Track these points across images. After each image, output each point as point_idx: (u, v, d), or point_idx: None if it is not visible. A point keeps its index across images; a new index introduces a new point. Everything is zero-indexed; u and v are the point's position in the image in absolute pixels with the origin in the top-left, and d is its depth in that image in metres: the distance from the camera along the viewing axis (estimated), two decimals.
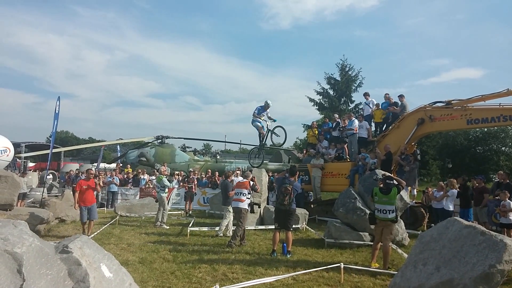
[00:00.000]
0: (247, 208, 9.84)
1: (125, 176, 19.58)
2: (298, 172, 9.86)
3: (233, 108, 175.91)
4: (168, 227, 12.01)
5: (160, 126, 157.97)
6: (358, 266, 7.40)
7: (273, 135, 14.69)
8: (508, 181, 12.13)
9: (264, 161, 27.75)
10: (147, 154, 23.42)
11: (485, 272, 4.31)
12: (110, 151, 53.98)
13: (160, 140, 24.46)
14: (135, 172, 20.10)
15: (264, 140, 14.95)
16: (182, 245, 9.49)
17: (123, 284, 4.21)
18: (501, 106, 12.17)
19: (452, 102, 13.31)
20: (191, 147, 27.80)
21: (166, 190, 12.99)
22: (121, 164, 24.36)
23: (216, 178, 18.64)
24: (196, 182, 17.46)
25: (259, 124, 14.39)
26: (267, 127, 14.58)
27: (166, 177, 13.22)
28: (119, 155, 29.34)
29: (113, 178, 18.06)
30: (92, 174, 11.13)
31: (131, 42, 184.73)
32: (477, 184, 12.33)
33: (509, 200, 10.20)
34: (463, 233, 4.99)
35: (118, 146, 33.53)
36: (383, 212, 7.68)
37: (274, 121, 14.71)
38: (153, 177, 19.02)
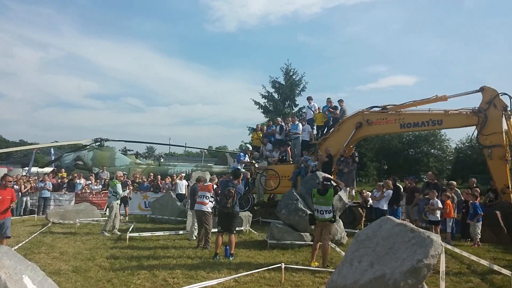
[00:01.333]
0: (211, 211, 9.81)
1: (59, 180, 18.52)
2: (241, 175, 9.91)
3: (178, 110, 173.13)
4: (109, 235, 11.46)
5: (99, 128, 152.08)
6: (299, 265, 7.56)
7: (262, 177, 15.00)
8: (436, 181, 13.05)
9: (209, 164, 27.76)
10: (84, 157, 22.35)
11: (413, 267, 4.57)
12: (44, 154, 50.95)
13: (99, 143, 23.45)
14: (70, 177, 19.07)
15: (251, 184, 15.13)
16: (121, 251, 9.15)
17: None
18: (430, 112, 13.07)
19: (387, 107, 14.09)
20: (132, 150, 26.88)
21: (118, 197, 12.10)
22: (55, 168, 23.03)
23: (159, 182, 18.24)
24: (131, 187, 16.68)
25: (244, 170, 14.27)
26: (254, 170, 15.01)
27: (121, 183, 12.36)
28: (53, 159, 27.79)
29: (45, 183, 16.98)
30: (10, 181, 9.10)
31: (68, 40, 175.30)
32: (408, 184, 13.10)
33: (437, 199, 10.97)
34: (395, 231, 5.27)
35: (52, 149, 31.70)
36: (321, 213, 7.94)
37: (258, 161, 15.33)
38: (89, 182, 18.24)
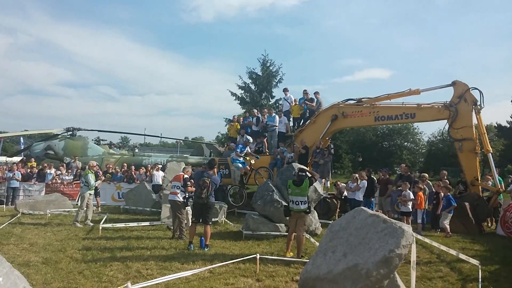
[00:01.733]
0: (183, 200, 9.73)
1: (29, 170, 17.96)
2: (216, 165, 9.84)
3: (153, 100, 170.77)
4: (81, 226, 11.22)
5: (72, 117, 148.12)
6: (274, 256, 7.60)
7: (256, 175, 14.33)
8: (409, 173, 13.34)
9: (185, 155, 27.49)
10: (55, 147, 21.69)
11: (385, 257, 4.65)
12: (12, 143, 49.35)
13: (70, 132, 22.83)
14: (40, 166, 18.52)
15: (247, 180, 14.45)
16: (93, 243, 8.98)
17: None
18: (403, 105, 13.31)
19: (362, 100, 14.26)
20: (106, 140, 26.33)
21: (91, 188, 11.83)
22: (24, 158, 22.31)
23: (133, 172, 17.94)
24: (102, 177, 15.80)
25: (239, 164, 13.88)
26: (250, 166, 14.13)
27: (93, 173, 12.13)
28: (22, 148, 26.91)
29: (14, 173, 16.42)
30: None
31: (38, 25, 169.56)
32: (382, 176, 13.35)
33: (409, 191, 11.22)
34: (368, 222, 5.34)
35: (21, 138, 30.67)
36: (296, 204, 7.99)
37: (257, 158, 14.38)
38: (60, 172, 17.76)
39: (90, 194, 11.87)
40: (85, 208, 11.63)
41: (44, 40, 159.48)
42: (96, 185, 13.01)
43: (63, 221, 12.02)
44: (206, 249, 8.43)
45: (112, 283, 6.08)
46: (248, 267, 6.92)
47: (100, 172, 16.13)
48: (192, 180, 9.89)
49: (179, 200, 9.72)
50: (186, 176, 9.95)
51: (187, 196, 9.64)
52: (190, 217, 10.01)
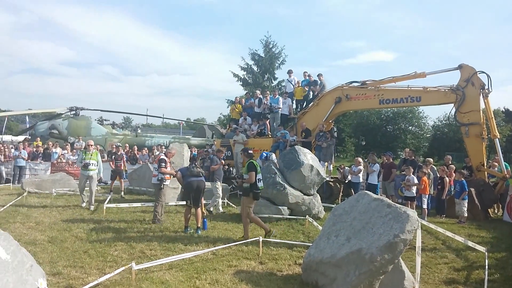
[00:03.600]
0: (157, 182, 9.35)
1: (35, 149, 17.98)
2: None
3: (155, 80, 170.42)
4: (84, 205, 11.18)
5: (74, 97, 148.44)
6: (276, 239, 7.59)
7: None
8: (413, 157, 13.24)
9: (187, 136, 27.48)
10: (59, 126, 21.72)
11: (390, 242, 4.61)
12: (17, 122, 49.42)
13: (74, 112, 22.81)
14: (45, 146, 18.54)
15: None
16: (98, 222, 8.97)
17: (23, 266, 3.85)
18: (409, 88, 13.13)
19: (367, 82, 14.08)
20: (109, 120, 26.29)
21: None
22: (28, 137, 22.34)
23: (135, 153, 17.93)
24: (124, 159, 15.15)
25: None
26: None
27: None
28: (27, 127, 26.96)
29: (20, 152, 16.45)
30: None
31: (41, 3, 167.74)
32: (386, 160, 13.26)
33: (413, 175, 11.13)
34: (371, 206, 5.29)
35: (26, 117, 30.67)
36: (260, 182, 7.92)
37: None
38: (65, 151, 17.78)
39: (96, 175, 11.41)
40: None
41: (47, 18, 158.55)
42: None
43: (68, 201, 12.06)
44: (198, 233, 8.24)
45: (117, 262, 6.08)
46: (251, 249, 6.90)
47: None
48: (167, 162, 9.56)
49: (155, 182, 9.43)
50: (162, 157, 9.59)
51: (159, 178, 9.29)
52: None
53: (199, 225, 8.44)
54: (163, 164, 9.33)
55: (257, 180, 7.78)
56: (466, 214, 10.57)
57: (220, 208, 11.11)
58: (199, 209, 8.53)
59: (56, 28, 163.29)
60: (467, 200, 10.75)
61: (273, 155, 13.50)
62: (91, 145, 11.41)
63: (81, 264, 5.96)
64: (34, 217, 9.38)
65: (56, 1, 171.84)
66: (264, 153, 13.66)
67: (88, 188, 11.18)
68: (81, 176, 11.37)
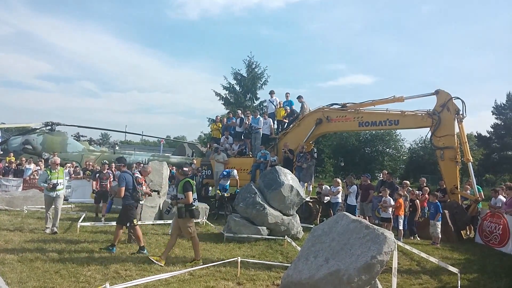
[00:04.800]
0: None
1: (6, 165, 17.47)
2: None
3: (135, 97, 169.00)
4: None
5: (51, 112, 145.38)
6: (255, 259, 7.54)
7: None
8: (391, 179, 13.46)
9: (167, 154, 27.21)
10: (33, 141, 21.25)
11: (367, 263, 4.65)
12: None
13: (49, 127, 22.35)
14: (18, 161, 18.04)
15: None
16: (70, 242, 8.73)
17: None
18: (388, 112, 13.44)
19: (347, 105, 14.34)
20: (86, 136, 25.85)
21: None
22: (1, 152, 21.73)
23: (113, 170, 17.60)
24: (111, 178, 13.77)
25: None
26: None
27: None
28: (0, 141, 26.22)
29: None
30: None
31: (19, 17, 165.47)
32: (364, 182, 13.43)
33: (389, 197, 11.30)
34: (350, 227, 5.34)
35: None
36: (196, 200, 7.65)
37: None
38: (39, 168, 17.34)
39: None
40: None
41: (24, 32, 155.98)
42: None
43: (40, 218, 11.66)
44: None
45: (90, 283, 5.92)
46: (229, 270, 6.83)
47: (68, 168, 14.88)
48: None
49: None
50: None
51: (151, 190, 9.25)
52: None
53: (115, 243, 8.11)
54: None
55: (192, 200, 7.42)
56: (440, 236, 10.75)
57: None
58: (118, 226, 8.24)
59: (34, 41, 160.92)
60: (440, 222, 10.95)
61: (235, 171, 13.63)
62: (57, 164, 10.18)
63: (51, 284, 5.78)
64: (3, 235, 9.07)
65: (34, 14, 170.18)
66: (224, 171, 13.75)
67: (53, 206, 9.89)
68: (46, 197, 9.93)
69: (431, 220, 11.07)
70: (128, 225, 8.55)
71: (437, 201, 11.19)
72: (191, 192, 7.40)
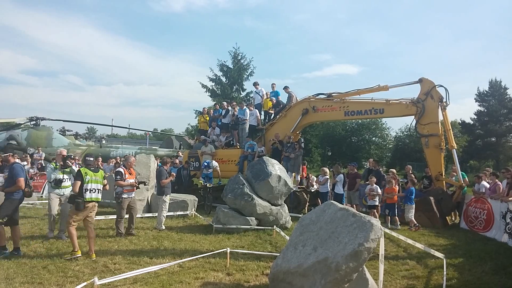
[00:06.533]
0: (115, 196, 9.17)
1: None
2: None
3: (121, 90, 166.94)
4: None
5: (35, 106, 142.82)
6: (244, 250, 7.59)
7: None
8: (377, 167, 13.63)
9: (154, 147, 27.04)
10: (18, 137, 20.91)
11: (354, 250, 4.73)
12: None
13: (34, 122, 21.99)
14: (2, 156, 17.70)
15: None
16: (58, 237, 8.65)
17: None
18: (372, 100, 13.55)
19: (333, 94, 14.41)
20: (71, 131, 25.51)
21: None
22: None
23: (100, 164, 17.45)
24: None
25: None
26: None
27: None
28: None
29: None
30: None
31: (1, 10, 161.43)
32: (350, 170, 13.58)
33: (376, 185, 11.46)
34: (337, 215, 5.41)
35: None
36: (95, 192, 7.50)
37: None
38: (25, 163, 17.05)
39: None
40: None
41: (7, 26, 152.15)
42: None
43: (26, 214, 11.56)
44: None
45: (78, 278, 5.89)
46: (218, 261, 6.87)
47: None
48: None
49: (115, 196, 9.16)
50: (118, 169, 9.32)
51: (116, 192, 9.09)
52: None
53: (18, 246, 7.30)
54: (119, 177, 8.99)
55: (84, 190, 7.15)
56: (413, 218, 11.04)
57: (163, 225, 9.99)
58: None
59: (17, 35, 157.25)
60: (413, 205, 11.24)
61: (214, 162, 13.94)
62: (63, 155, 8.97)
63: (39, 280, 5.75)
64: None
65: (16, 7, 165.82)
66: (205, 162, 13.91)
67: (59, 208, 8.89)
68: (52, 197, 8.72)
69: (405, 205, 11.34)
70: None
71: (412, 187, 11.55)
72: (79, 182, 7.17)
